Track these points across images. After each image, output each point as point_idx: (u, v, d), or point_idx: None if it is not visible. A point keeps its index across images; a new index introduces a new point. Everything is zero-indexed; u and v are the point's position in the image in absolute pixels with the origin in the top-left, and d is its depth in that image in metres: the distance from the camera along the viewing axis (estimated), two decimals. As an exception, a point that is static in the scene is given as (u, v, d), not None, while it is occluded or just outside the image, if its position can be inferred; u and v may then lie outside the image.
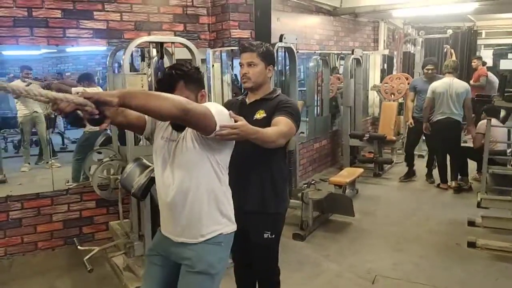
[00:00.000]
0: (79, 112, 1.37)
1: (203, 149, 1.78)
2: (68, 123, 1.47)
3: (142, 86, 3.31)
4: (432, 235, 4.19)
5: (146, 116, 1.91)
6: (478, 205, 4.49)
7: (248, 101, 2.34)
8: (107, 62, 3.99)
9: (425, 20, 10.13)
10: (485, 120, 5.31)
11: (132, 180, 2.91)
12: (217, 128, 1.68)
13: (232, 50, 4.06)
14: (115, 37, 3.81)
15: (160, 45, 3.43)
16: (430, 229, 4.33)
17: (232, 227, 1.92)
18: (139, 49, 4.16)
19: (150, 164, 3.00)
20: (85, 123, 1.41)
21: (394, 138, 6.43)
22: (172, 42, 3.46)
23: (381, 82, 7.98)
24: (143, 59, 4.35)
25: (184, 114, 1.53)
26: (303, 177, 6.03)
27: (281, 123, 2.11)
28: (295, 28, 5.69)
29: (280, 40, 4.65)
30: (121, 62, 3.29)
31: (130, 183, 2.91)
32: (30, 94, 1.29)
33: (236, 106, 2.31)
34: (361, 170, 5.41)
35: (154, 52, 3.57)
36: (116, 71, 4.17)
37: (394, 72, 8.82)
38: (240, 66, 2.28)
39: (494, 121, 4.98)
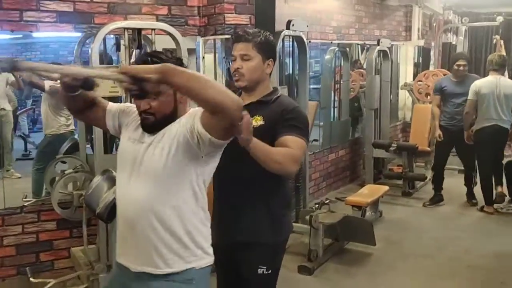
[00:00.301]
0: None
1: (186, 156, 1.77)
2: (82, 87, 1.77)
3: (114, 82, 3.29)
4: (472, 271, 4.13)
5: (109, 107, 1.98)
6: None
7: None
8: (75, 52, 4.01)
9: (470, 4, 10.12)
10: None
11: (99, 197, 2.89)
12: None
13: (226, 39, 4.04)
14: (84, 22, 3.80)
15: (137, 33, 3.40)
16: (470, 263, 4.27)
17: (207, 260, 1.89)
18: (115, 37, 4.20)
19: None
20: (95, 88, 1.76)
21: (428, 149, 6.39)
22: (152, 29, 3.45)
23: (414, 79, 7.94)
24: (118, 49, 4.38)
25: (234, 109, 1.59)
26: (315, 195, 6.00)
27: (291, 144, 2.10)
28: (306, 13, 5.68)
29: (288, 28, 4.65)
30: (90, 50, 3.29)
31: (95, 201, 2.88)
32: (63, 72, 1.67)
33: None
34: (385, 188, 5.37)
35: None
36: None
37: (431, 68, 8.79)
38: (232, 59, 2.26)
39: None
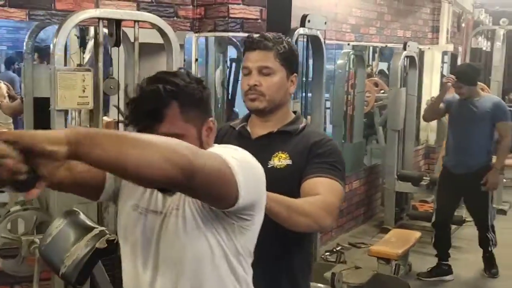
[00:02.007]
0: None
1: (212, 224, 1.58)
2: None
3: (84, 90, 3.18)
4: None
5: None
6: None
7: (252, 132, 2.21)
8: (25, 45, 3.94)
9: (506, 3, 10.21)
10: None
11: (63, 250, 2.72)
12: (241, 194, 1.48)
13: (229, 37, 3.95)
14: (41, 7, 3.58)
15: (116, 25, 3.29)
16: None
17: None
18: (79, 29, 4.06)
19: (93, 225, 2.83)
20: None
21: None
22: (135, 21, 3.34)
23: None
24: (82, 44, 4.22)
25: (187, 177, 1.30)
26: (323, 239, 5.83)
27: (324, 188, 2.01)
28: (321, 7, 5.65)
29: (302, 25, 4.56)
30: (51, 48, 3.15)
31: (58, 255, 2.71)
32: None
33: (231, 140, 2.17)
34: (417, 234, 5.25)
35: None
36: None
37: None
38: (244, 72, 2.18)
39: None
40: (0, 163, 1.10)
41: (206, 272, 1.61)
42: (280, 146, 2.15)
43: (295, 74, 2.19)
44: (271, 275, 2.14)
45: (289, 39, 2.23)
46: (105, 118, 3.77)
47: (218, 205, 1.53)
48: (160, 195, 1.64)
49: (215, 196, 1.48)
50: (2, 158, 1.10)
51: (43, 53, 4.74)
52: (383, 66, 9.14)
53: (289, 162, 2.11)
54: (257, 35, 2.21)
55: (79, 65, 4.38)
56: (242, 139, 2.19)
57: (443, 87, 5.78)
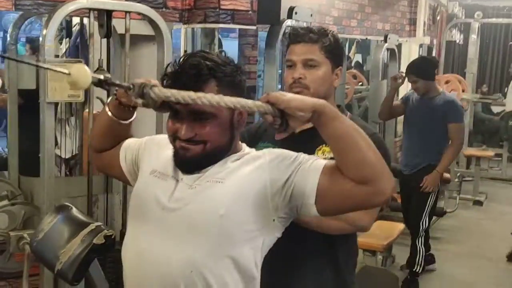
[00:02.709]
0: None
1: (254, 214, 1.59)
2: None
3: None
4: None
5: (125, 142, 1.87)
6: None
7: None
8: (8, 36, 3.80)
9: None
10: None
11: (57, 246, 2.66)
12: None
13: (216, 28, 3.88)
14: (28, -3, 3.48)
15: (106, 16, 3.22)
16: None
17: None
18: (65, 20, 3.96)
19: (88, 220, 2.76)
20: None
21: (448, 175, 6.31)
22: (126, 12, 3.27)
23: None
24: (68, 35, 4.14)
25: (389, 190, 1.52)
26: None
27: None
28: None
29: (289, 16, 4.53)
30: (41, 39, 3.07)
31: (52, 252, 2.65)
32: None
33: (271, 132, 2.13)
34: (401, 226, 5.22)
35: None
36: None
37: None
38: (288, 65, 2.19)
39: None
40: (265, 117, 1.49)
41: (225, 244, 1.59)
42: (324, 140, 2.13)
43: (340, 67, 2.19)
44: (315, 269, 2.15)
45: (334, 32, 2.24)
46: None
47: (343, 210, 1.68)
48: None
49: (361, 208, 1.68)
50: (264, 114, 1.47)
51: (35, 45, 4.62)
52: (358, 57, 9.18)
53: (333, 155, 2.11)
54: (302, 27, 2.23)
55: (56, 56, 4.30)
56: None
57: (392, 83, 5.59)
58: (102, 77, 1.53)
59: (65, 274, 2.53)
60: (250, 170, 1.59)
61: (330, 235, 2.06)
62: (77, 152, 4.17)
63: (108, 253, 2.76)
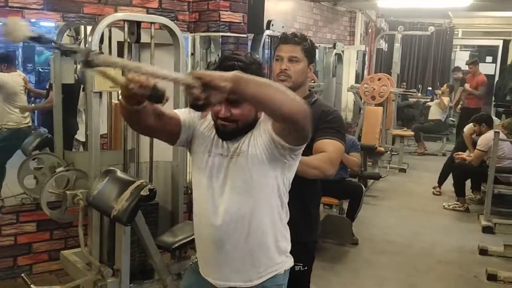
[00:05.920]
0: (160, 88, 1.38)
1: (273, 163, 1.67)
2: (149, 98, 1.41)
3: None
4: (444, 265, 4.31)
5: (182, 118, 1.75)
6: (491, 230, 4.75)
7: None
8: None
9: (400, 14, 10.58)
10: (488, 134, 5.60)
11: (109, 199, 2.75)
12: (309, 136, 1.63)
13: (223, 36, 3.93)
14: (72, 11, 3.52)
15: (136, 26, 3.22)
16: (440, 258, 4.45)
17: (289, 262, 1.85)
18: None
19: (131, 178, 2.85)
20: (164, 101, 1.41)
21: (382, 149, 6.55)
22: (151, 22, 3.28)
23: (356, 82, 8.15)
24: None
25: (304, 117, 1.47)
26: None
27: (328, 147, 2.12)
28: (278, 14, 5.69)
29: (268, 28, 4.62)
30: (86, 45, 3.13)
31: (107, 203, 2.74)
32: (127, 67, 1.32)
33: None
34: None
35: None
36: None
37: (365, 72, 9.10)
38: (276, 59, 2.27)
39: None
40: (191, 92, 1.33)
41: (264, 193, 1.68)
42: None
43: (313, 63, 2.28)
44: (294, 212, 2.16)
45: (311, 38, 2.31)
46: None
47: (299, 141, 1.62)
48: (225, 143, 1.69)
49: (304, 135, 1.58)
50: (191, 88, 1.32)
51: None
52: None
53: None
54: (291, 33, 2.29)
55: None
56: None
57: None
58: (36, 35, 1.24)
59: (121, 218, 2.62)
60: (259, 134, 1.67)
61: (300, 179, 2.02)
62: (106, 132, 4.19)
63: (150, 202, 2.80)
